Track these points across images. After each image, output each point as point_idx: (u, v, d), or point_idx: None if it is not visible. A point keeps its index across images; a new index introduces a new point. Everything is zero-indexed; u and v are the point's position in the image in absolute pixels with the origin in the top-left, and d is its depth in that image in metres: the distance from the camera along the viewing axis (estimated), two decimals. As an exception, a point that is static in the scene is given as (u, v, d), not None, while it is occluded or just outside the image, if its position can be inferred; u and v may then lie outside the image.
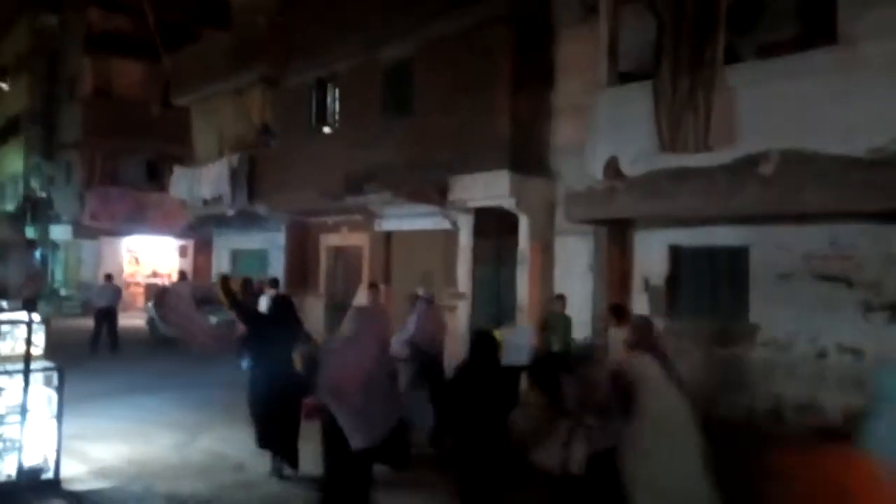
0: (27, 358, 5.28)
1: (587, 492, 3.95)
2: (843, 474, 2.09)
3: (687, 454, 3.71)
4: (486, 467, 4.49)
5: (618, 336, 6.35)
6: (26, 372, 5.26)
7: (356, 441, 4.19)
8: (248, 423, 6.56)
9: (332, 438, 4.36)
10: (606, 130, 8.75)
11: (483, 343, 4.80)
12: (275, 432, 6.16)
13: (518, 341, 5.14)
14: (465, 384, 4.66)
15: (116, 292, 14.93)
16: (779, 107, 7.33)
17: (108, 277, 15.53)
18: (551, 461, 4.17)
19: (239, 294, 9.15)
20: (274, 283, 11.04)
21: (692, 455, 3.73)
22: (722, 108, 7.62)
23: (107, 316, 14.03)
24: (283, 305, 6.71)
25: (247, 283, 11.14)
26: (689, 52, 7.80)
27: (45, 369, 5.59)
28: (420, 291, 8.76)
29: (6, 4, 29.02)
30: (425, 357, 7.67)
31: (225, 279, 7.26)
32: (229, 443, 7.27)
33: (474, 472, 4.53)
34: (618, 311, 7.50)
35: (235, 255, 18.31)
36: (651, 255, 9.16)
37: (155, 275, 22.64)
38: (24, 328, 5.45)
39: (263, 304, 9.64)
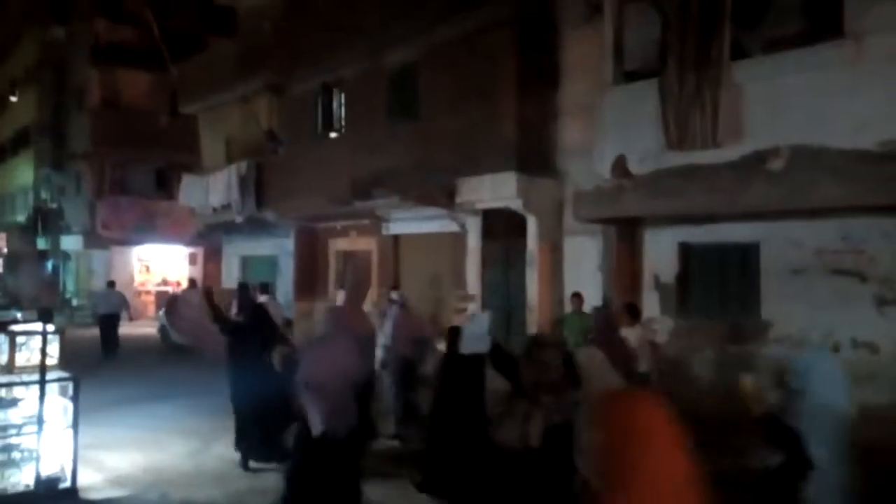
0: (42, 369, 5.31)
1: (544, 462, 4.31)
2: (630, 417, 2.22)
3: None
4: (454, 449, 5.11)
5: (631, 335, 6.53)
6: (42, 382, 5.30)
7: (317, 428, 4.37)
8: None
9: (305, 436, 4.54)
10: (613, 129, 8.75)
11: (451, 337, 5.57)
12: (260, 433, 6.45)
13: (476, 331, 5.42)
14: (441, 375, 5.45)
15: (119, 299, 14.96)
16: (787, 102, 7.32)
17: (111, 284, 15.59)
18: (512, 437, 4.55)
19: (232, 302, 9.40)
20: (264, 288, 10.83)
21: None
22: (729, 105, 7.62)
23: (109, 321, 14.10)
24: (256, 314, 7.22)
25: (243, 288, 10.97)
26: (694, 49, 7.79)
27: (60, 380, 5.64)
28: (393, 295, 8.95)
29: (14, 18, 29.32)
30: (401, 362, 7.77)
31: (208, 292, 7.68)
32: (243, 449, 7.29)
33: (443, 452, 5.17)
34: (632, 310, 7.45)
35: (245, 262, 18.38)
36: (661, 253, 9.13)
37: (165, 283, 22.77)
38: (39, 339, 5.49)
39: None
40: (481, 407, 5.20)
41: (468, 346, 5.40)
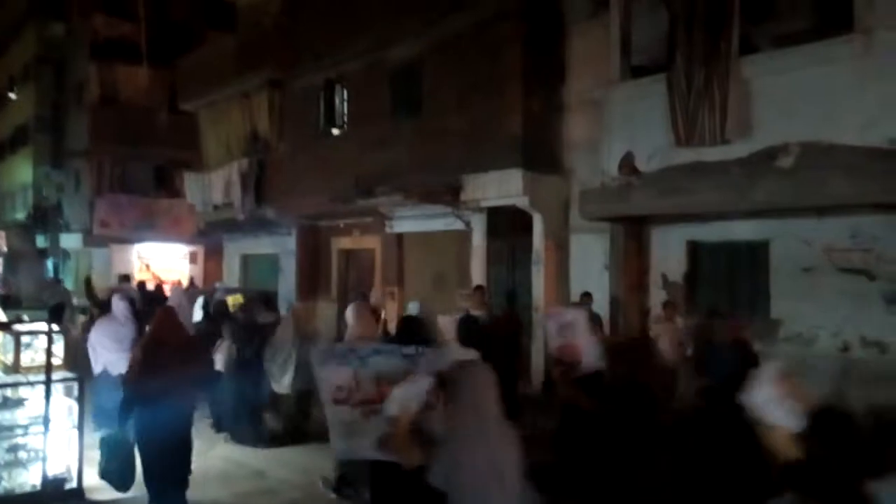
0: (48, 369, 5.25)
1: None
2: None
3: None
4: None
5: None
6: (48, 383, 5.23)
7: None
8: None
9: None
10: (620, 126, 8.69)
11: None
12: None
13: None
14: None
15: (61, 291, 14.91)
16: (796, 98, 7.27)
17: (57, 281, 16.43)
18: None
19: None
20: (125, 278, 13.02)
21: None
22: (738, 101, 7.57)
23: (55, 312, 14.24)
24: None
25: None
26: (703, 43, 7.74)
27: (65, 380, 5.57)
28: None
29: (13, 14, 29.17)
30: None
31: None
32: (248, 450, 7.24)
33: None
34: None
35: (246, 261, 18.29)
36: (669, 251, 9.07)
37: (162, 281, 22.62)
38: (43, 339, 5.42)
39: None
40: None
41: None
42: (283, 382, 7.46)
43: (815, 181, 7.00)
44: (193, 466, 6.62)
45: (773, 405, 2.63)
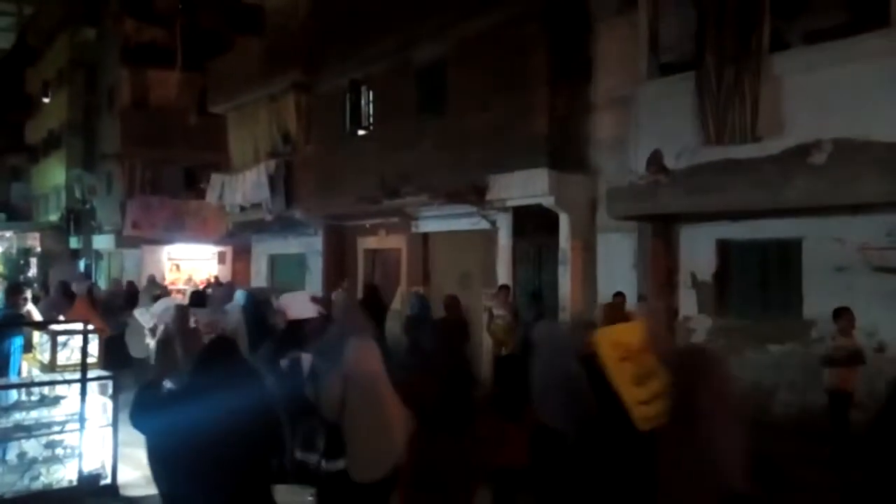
0: (84, 368, 5.35)
1: None
2: None
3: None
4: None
5: None
6: (83, 381, 5.34)
7: None
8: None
9: None
10: (648, 124, 8.60)
11: None
12: None
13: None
14: None
15: None
16: (829, 94, 7.12)
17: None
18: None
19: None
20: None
21: None
22: (769, 98, 7.44)
23: None
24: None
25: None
26: (733, 40, 7.63)
27: (100, 378, 5.68)
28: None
29: (48, 22, 29.83)
30: None
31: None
32: (278, 447, 7.29)
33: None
34: None
35: (274, 261, 18.48)
36: (698, 250, 8.94)
37: (190, 281, 22.90)
38: (79, 338, 5.53)
39: None
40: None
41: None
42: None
43: (848, 178, 6.86)
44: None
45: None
